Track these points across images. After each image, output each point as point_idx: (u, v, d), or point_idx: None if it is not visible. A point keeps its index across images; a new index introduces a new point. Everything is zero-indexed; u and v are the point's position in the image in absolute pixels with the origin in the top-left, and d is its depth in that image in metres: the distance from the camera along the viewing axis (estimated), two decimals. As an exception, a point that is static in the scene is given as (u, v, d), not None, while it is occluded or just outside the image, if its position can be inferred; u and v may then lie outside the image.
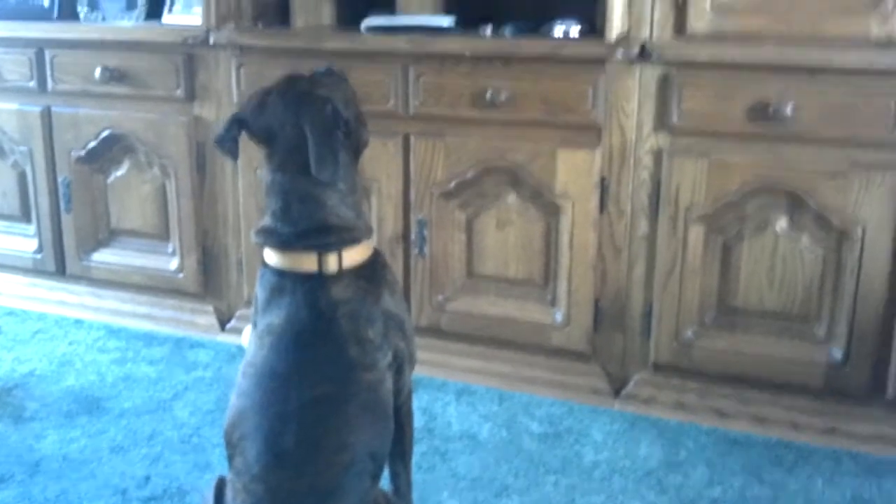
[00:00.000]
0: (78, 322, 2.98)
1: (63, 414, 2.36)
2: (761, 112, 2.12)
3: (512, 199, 2.43)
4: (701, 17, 2.16)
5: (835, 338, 2.20)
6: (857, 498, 2.02)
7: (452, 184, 2.46)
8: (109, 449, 2.19)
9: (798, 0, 2.09)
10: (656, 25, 2.20)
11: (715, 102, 2.16)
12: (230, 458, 1.48)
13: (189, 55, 2.70)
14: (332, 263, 1.50)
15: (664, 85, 2.21)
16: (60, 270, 3.07)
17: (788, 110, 2.09)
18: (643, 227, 2.32)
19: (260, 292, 1.57)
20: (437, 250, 2.52)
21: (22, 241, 3.11)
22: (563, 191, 2.35)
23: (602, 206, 2.33)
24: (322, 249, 1.51)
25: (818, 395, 2.24)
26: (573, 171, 2.33)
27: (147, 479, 2.06)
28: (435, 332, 2.59)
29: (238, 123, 1.56)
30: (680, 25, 2.18)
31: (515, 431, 2.28)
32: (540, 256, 2.44)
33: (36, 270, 3.12)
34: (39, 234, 3.08)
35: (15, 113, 2.98)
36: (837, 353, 2.20)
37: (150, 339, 2.85)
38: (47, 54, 2.88)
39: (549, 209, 2.39)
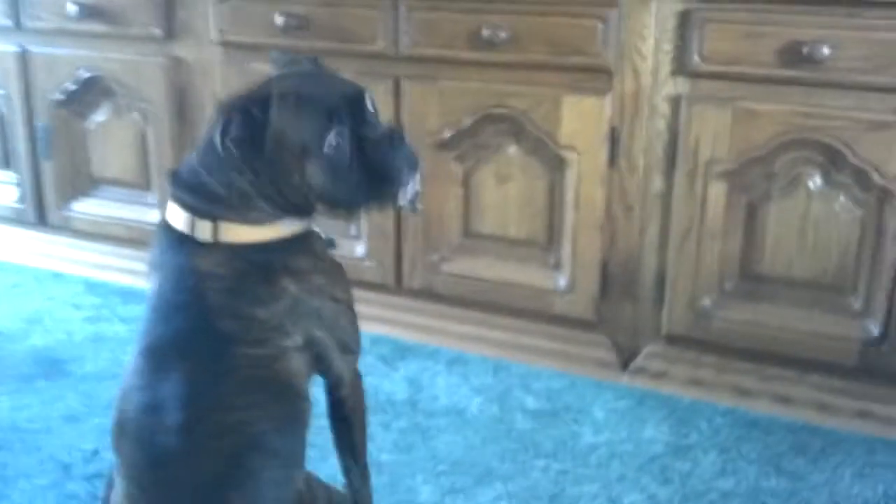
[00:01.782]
0: (57, 276, 2.81)
1: (21, 378, 2.18)
2: (794, 54, 1.85)
3: (513, 150, 2.18)
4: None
5: (872, 311, 1.94)
6: (890, 494, 1.77)
7: (448, 133, 2.22)
8: (62, 418, 2.01)
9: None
10: (677, -47, 1.93)
11: (742, 42, 1.89)
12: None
13: (166, -10, 2.47)
14: (203, 231, 1.27)
15: (684, 22, 1.94)
16: (41, 221, 2.90)
17: (825, 51, 1.81)
18: (658, 183, 2.06)
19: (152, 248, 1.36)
20: (431, 206, 2.29)
21: (2, 190, 2.93)
22: (569, 142, 2.10)
23: (612, 159, 2.08)
24: (197, 213, 1.27)
25: (850, 374, 1.99)
26: (580, 120, 2.08)
27: (95, 453, 1.88)
28: (428, 294, 2.36)
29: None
30: (703, -46, 1.91)
31: (508, 407, 2.06)
32: (543, 215, 2.19)
33: (17, 220, 2.94)
34: (20, 182, 2.89)
35: (-10, 53, 2.79)
36: (874, 329, 1.94)
37: (128, 295, 2.66)
38: (21, -12, 2.68)
39: (554, 162, 2.14)
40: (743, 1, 1.88)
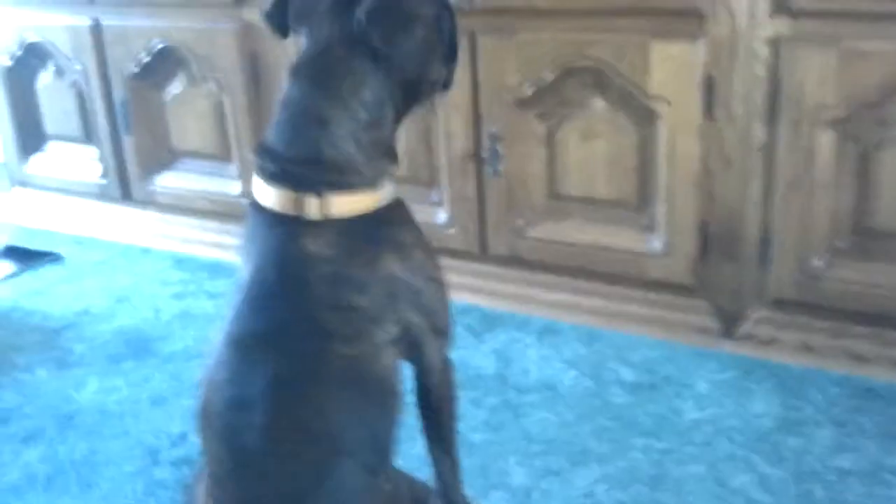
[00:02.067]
0: (145, 251, 2.81)
1: (109, 358, 2.18)
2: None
3: (599, 105, 2.04)
4: None
5: None
6: None
7: (528, 90, 2.09)
8: (150, 400, 2.00)
9: None
10: None
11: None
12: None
13: (233, -49, 2.39)
14: (312, 208, 1.17)
15: (784, -46, 1.76)
16: (127, 196, 2.89)
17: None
18: (759, 134, 1.89)
19: (243, 231, 1.27)
20: (513, 168, 2.17)
21: (87, 166, 2.94)
22: (659, 93, 1.94)
23: (707, 109, 1.92)
24: (302, 188, 1.17)
25: (982, 336, 1.81)
26: (670, 68, 1.92)
27: (183, 437, 1.85)
28: (515, 261, 2.26)
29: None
30: None
31: (603, 381, 1.95)
32: (634, 173, 2.05)
33: (102, 196, 2.94)
34: (103, 158, 2.89)
35: (66, 29, 2.77)
36: None
37: (216, 269, 2.63)
38: (90, -41, 2.64)
39: (643, 115, 1.99)
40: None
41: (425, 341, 1.26)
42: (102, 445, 1.84)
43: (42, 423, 1.92)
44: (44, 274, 2.69)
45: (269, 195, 1.19)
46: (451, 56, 1.27)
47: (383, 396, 1.19)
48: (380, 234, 1.21)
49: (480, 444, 1.76)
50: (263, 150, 1.21)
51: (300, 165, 1.18)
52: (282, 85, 1.21)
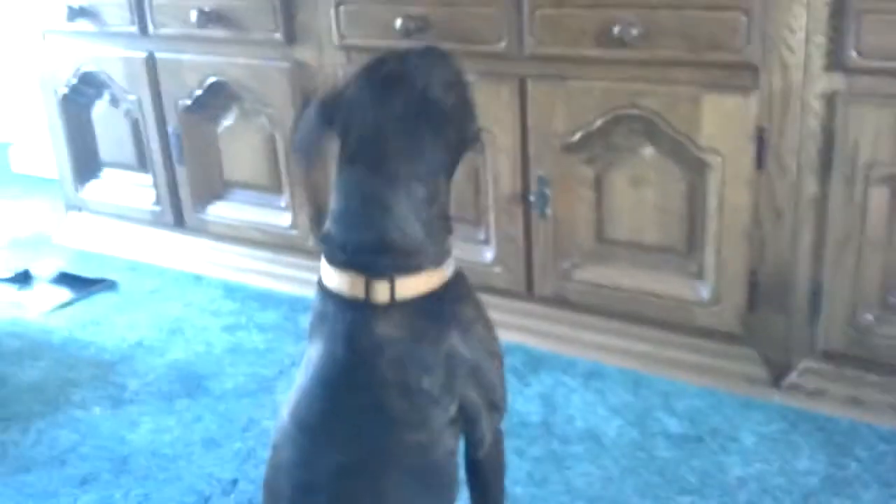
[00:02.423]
0: (197, 278, 2.86)
1: (162, 396, 2.23)
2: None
3: (648, 152, 2.03)
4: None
5: None
6: None
7: (577, 135, 2.09)
8: (202, 442, 2.04)
9: None
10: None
11: (905, 33, 1.68)
12: None
13: (285, -6, 2.42)
14: (381, 293, 1.21)
15: (838, 12, 1.73)
16: (179, 223, 2.94)
17: None
18: (811, 187, 1.88)
19: (311, 313, 1.32)
20: (560, 211, 2.17)
21: (141, 192, 3.00)
22: (711, 144, 1.93)
23: (759, 161, 1.90)
24: (372, 273, 1.21)
25: None
26: (722, 120, 1.91)
27: (234, 483, 1.89)
28: (561, 302, 2.26)
29: (322, 114, 1.26)
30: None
31: (649, 432, 1.95)
32: (682, 221, 2.04)
33: (156, 222, 3.00)
34: (156, 185, 2.94)
35: (121, 60, 2.82)
36: None
37: (266, 299, 2.68)
38: (147, -4, 2.69)
39: (693, 165, 1.98)
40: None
41: (481, 416, 1.29)
42: (156, 491, 1.88)
43: (98, 465, 1.97)
44: (98, 302, 2.75)
45: (337, 280, 1.23)
46: (473, 107, 1.33)
47: (441, 484, 1.22)
48: (444, 312, 1.24)
49: (523, 498, 1.78)
50: (329, 239, 1.25)
51: (367, 252, 1.21)
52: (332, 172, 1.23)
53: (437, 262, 1.25)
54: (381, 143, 1.21)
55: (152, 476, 1.93)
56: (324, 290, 1.27)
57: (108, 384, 2.29)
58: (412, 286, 1.22)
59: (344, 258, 1.23)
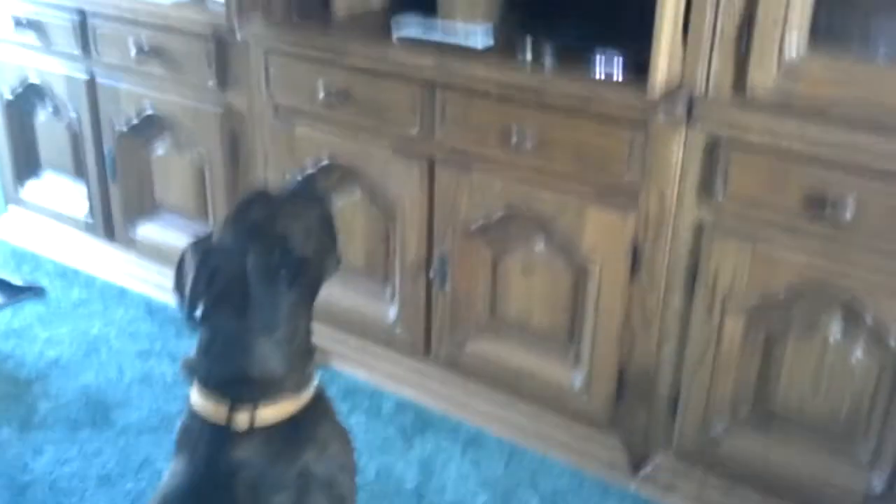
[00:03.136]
0: (122, 292, 2.97)
1: (69, 424, 2.35)
2: (818, 205, 1.76)
3: (540, 247, 2.17)
4: (766, 76, 1.77)
5: (879, 463, 1.89)
6: None
7: (478, 221, 2.22)
8: (97, 478, 2.17)
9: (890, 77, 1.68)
10: (712, 77, 1.84)
11: (766, 186, 1.81)
12: None
13: (220, 43, 2.50)
14: (242, 420, 1.37)
15: (711, 155, 1.87)
16: (109, 235, 3.05)
17: (849, 212, 1.73)
18: (677, 302, 2.03)
19: (180, 423, 1.47)
20: (458, 286, 2.31)
21: (77, 200, 3.09)
22: (591, 251, 2.08)
23: (633, 273, 2.05)
24: (234, 402, 1.37)
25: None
26: (603, 232, 2.05)
27: (120, 528, 2.04)
28: (454, 367, 2.41)
29: (196, 258, 1.39)
30: (739, 82, 1.81)
31: (510, 509, 2.12)
32: (566, 310, 2.19)
33: (89, 230, 3.10)
34: (90, 196, 3.04)
35: (64, 77, 2.90)
36: (879, 483, 1.89)
37: (182, 325, 2.79)
38: (90, 22, 2.75)
39: (577, 266, 2.12)
40: (771, 150, 1.78)
41: None
42: (46, 529, 2.03)
43: (-3, 493, 2.11)
44: (25, 311, 2.85)
45: (202, 404, 1.38)
46: (336, 235, 1.50)
47: None
48: (301, 435, 1.41)
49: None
50: (195, 370, 1.40)
51: (231, 384, 1.36)
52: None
53: (297, 389, 1.42)
54: (243, 290, 1.35)
55: (45, 514, 2.07)
56: (190, 408, 1.42)
57: (21, 404, 2.42)
58: (271, 413, 1.38)
59: (207, 385, 1.38)
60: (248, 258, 1.35)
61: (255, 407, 1.37)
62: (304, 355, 1.44)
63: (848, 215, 1.73)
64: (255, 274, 1.35)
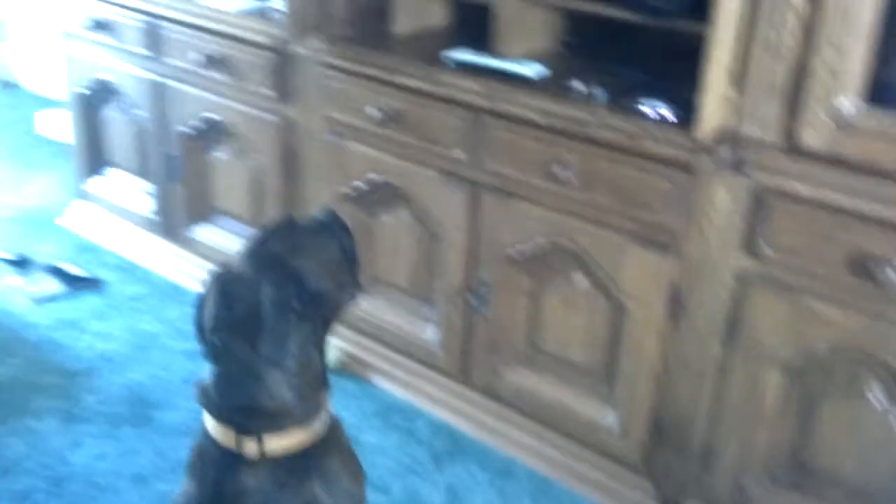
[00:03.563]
0: (177, 290, 3.03)
1: (110, 419, 2.41)
2: (863, 264, 1.69)
3: (579, 279, 2.13)
4: (818, 128, 1.71)
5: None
6: None
7: (519, 249, 2.19)
8: (132, 477, 2.22)
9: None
10: (763, 125, 1.78)
11: (812, 240, 1.75)
12: None
13: (281, 55, 2.53)
14: (250, 448, 1.40)
15: (757, 203, 1.81)
16: (170, 234, 3.12)
17: (892, 273, 1.65)
18: (716, 349, 1.97)
19: (195, 443, 1.50)
20: (499, 313, 2.29)
21: (140, 197, 3.17)
22: (629, 290, 2.03)
23: (672, 316, 2.00)
24: (242, 431, 1.39)
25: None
26: (642, 272, 2.00)
27: (147, 528, 2.08)
28: (490, 393, 2.40)
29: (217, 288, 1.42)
30: (791, 132, 1.75)
31: (532, 547, 2.09)
32: (603, 348, 2.15)
33: (151, 227, 3.17)
34: (154, 195, 3.11)
35: (133, 77, 2.97)
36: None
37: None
38: (161, 27, 2.81)
39: (615, 302, 2.08)
40: (815, 205, 1.72)
41: None
42: (79, 522, 2.08)
43: (35, 483, 2.17)
44: (82, 301, 2.93)
45: (213, 428, 1.40)
46: (355, 267, 1.49)
47: None
48: (309, 466, 1.42)
49: None
50: (206, 396, 1.42)
51: (239, 412, 1.38)
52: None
53: (306, 420, 1.42)
54: (258, 322, 1.36)
55: (81, 504, 2.13)
56: (205, 431, 1.45)
57: (65, 397, 2.49)
58: (280, 443, 1.40)
59: (218, 413, 1.41)
60: (262, 290, 1.36)
61: (259, 437, 1.39)
62: (315, 386, 1.45)
63: (894, 277, 1.65)
64: (268, 305, 1.36)
